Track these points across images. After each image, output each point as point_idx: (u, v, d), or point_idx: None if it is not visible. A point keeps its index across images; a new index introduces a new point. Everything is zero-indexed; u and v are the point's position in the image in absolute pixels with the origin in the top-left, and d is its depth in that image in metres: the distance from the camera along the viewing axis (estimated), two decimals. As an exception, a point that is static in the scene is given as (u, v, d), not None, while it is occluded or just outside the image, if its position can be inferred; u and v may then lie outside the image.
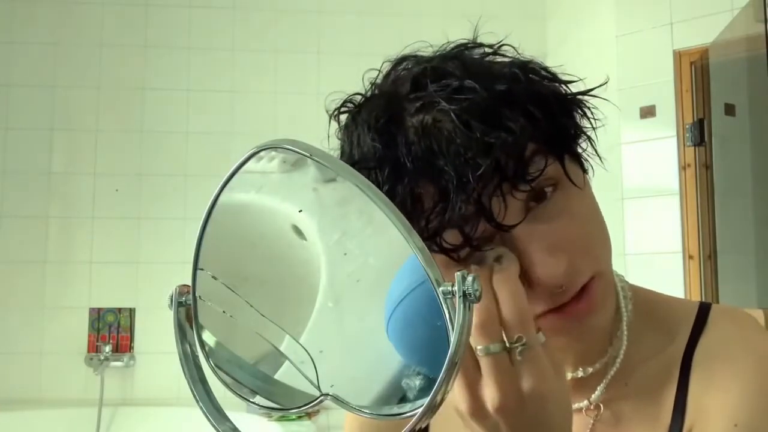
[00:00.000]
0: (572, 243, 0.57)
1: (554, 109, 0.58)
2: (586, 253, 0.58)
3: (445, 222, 0.53)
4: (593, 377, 0.66)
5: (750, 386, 0.61)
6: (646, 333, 0.67)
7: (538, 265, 0.55)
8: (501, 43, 0.60)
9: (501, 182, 0.53)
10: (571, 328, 0.59)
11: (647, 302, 0.69)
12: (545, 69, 0.60)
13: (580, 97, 0.61)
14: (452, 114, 0.53)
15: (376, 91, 0.61)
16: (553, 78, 0.60)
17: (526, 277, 0.55)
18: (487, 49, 0.60)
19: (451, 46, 0.61)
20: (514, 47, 0.60)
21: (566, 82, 0.60)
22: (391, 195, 0.54)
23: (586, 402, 0.66)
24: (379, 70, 0.62)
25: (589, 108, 0.61)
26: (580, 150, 0.61)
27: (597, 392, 0.65)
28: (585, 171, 0.61)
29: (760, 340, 0.66)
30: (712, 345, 0.65)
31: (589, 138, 0.62)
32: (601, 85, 0.63)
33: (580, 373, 0.66)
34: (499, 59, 0.60)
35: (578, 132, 0.60)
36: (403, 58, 0.61)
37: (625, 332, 0.66)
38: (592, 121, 0.61)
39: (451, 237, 0.54)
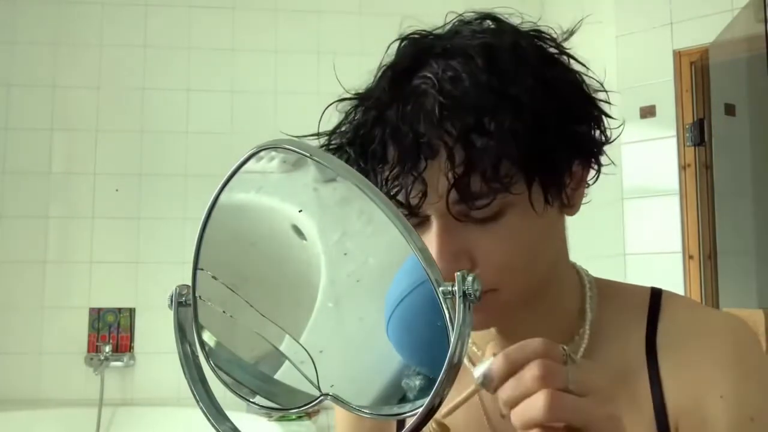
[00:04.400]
0: (486, 258, 0.58)
1: (553, 132, 0.59)
2: (496, 271, 0.59)
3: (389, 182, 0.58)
4: None
5: (720, 358, 0.65)
6: (610, 326, 0.69)
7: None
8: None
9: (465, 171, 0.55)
10: None
11: (609, 295, 0.71)
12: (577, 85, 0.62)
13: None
14: (440, 98, 0.57)
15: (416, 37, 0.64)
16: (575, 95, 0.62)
17: None
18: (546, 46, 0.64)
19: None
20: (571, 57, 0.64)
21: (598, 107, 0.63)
22: (369, 134, 0.59)
23: None
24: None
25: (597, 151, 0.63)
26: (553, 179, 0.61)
27: None
28: (548, 202, 0.61)
29: (712, 315, 0.71)
30: (671, 328, 0.67)
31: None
32: (608, 141, 0.65)
33: None
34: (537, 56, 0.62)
35: (564, 164, 0.61)
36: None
37: (588, 331, 0.68)
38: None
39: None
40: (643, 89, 2.57)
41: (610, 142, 0.65)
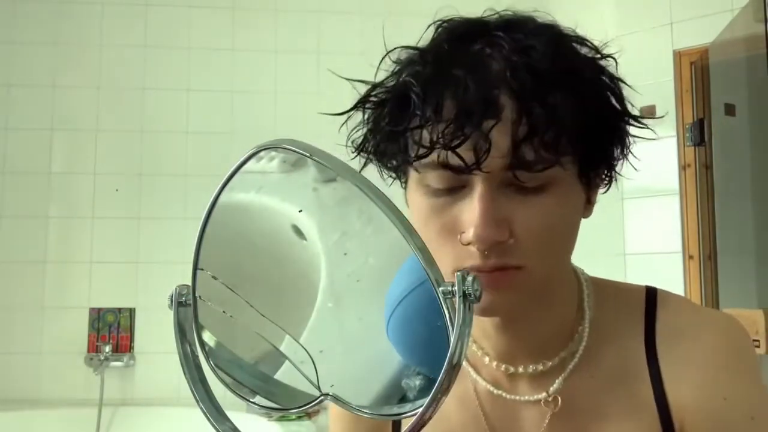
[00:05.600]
0: (524, 230, 0.58)
1: (605, 126, 0.62)
2: (529, 245, 0.59)
3: (435, 138, 0.56)
4: (553, 370, 0.68)
5: (720, 359, 0.66)
6: (608, 325, 0.69)
7: (475, 228, 0.57)
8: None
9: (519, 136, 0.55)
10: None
11: (605, 294, 0.72)
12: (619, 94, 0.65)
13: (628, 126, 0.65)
14: (513, 57, 0.57)
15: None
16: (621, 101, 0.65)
17: (456, 226, 0.58)
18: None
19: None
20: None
21: (634, 117, 0.66)
22: (428, 88, 0.57)
23: (544, 394, 0.68)
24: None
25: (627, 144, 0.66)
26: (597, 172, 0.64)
27: (555, 385, 0.67)
28: (589, 190, 0.64)
29: (708, 314, 0.72)
30: (670, 328, 0.68)
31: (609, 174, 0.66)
32: (648, 117, 0.68)
33: (540, 367, 0.68)
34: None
35: (610, 158, 0.64)
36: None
37: (587, 329, 0.68)
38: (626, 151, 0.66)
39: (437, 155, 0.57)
40: (643, 89, 2.57)
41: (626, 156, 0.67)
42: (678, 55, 2.55)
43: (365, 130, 0.64)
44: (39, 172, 3.05)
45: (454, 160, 0.57)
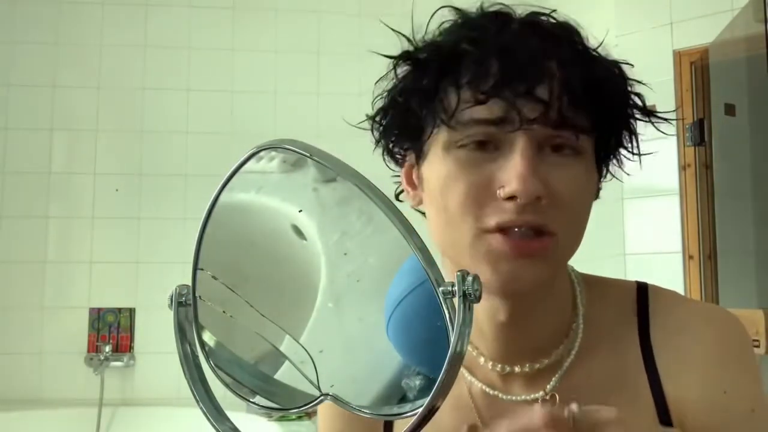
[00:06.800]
0: (558, 190, 0.60)
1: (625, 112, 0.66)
2: (560, 211, 0.60)
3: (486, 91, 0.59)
4: (549, 369, 0.68)
5: (720, 352, 0.66)
6: (601, 322, 0.70)
7: (519, 180, 0.58)
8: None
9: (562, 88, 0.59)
10: (509, 259, 0.60)
11: (596, 290, 0.72)
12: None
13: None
14: (556, 31, 0.63)
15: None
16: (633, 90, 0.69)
17: (494, 186, 0.59)
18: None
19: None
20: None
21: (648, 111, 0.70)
22: (474, 49, 0.60)
23: (541, 393, 0.67)
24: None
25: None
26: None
27: (552, 383, 0.67)
28: (600, 174, 0.67)
29: (703, 309, 0.72)
30: (665, 323, 0.68)
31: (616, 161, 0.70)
32: (666, 112, 0.72)
33: (536, 366, 0.68)
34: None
35: (625, 142, 0.68)
36: None
37: (581, 325, 0.68)
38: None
39: (482, 111, 0.59)
40: (643, 89, 2.57)
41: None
42: (678, 55, 2.55)
43: (394, 92, 0.66)
44: (39, 172, 3.05)
45: (508, 114, 0.59)
